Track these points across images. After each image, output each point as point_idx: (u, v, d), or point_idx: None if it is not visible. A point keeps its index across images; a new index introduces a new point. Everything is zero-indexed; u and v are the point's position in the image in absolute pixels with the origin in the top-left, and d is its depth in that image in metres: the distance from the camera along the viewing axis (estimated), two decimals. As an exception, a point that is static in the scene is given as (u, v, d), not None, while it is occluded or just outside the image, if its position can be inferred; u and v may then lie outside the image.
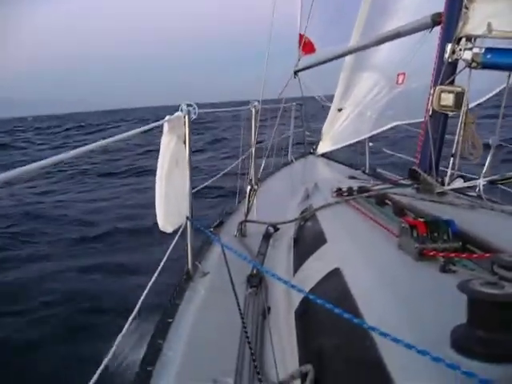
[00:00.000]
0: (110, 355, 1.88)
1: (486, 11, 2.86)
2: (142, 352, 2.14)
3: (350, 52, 5.66)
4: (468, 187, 3.03)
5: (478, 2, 2.89)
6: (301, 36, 6.69)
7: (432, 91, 3.13)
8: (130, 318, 2.11)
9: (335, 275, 1.88)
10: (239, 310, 1.96)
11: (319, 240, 2.45)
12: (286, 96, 5.63)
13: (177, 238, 2.88)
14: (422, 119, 3.39)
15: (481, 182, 2.91)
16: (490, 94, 4.60)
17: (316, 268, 2.15)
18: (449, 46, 3.00)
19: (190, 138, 2.82)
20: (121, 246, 8.03)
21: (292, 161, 7.29)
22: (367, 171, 6.10)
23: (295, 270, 2.39)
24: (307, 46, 6.72)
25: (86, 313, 5.57)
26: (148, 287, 2.40)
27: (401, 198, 2.81)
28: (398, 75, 5.26)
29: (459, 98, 3.01)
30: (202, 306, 2.42)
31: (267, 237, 3.27)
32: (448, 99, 3.05)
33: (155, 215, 2.72)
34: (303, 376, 1.44)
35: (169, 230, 2.78)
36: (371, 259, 1.99)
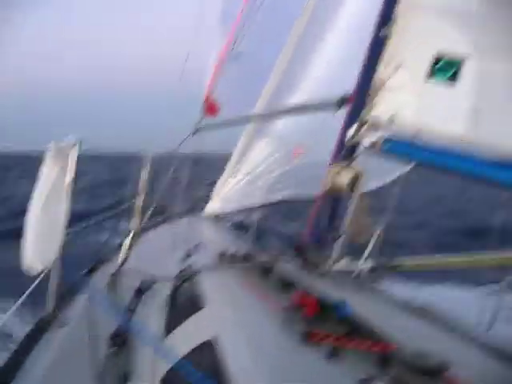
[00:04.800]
0: None
1: (391, 101, 2.96)
2: None
3: (253, 120, 5.70)
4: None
5: (385, 91, 3.00)
6: (207, 97, 6.70)
7: (329, 169, 3.13)
8: None
9: (211, 346, 1.70)
10: (93, 374, 1.68)
11: (197, 304, 2.27)
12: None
13: (39, 279, 2.55)
14: (312, 193, 3.39)
15: (364, 267, 2.89)
16: (381, 183, 4.69)
17: (190, 334, 1.94)
18: (352, 129, 3.06)
19: (75, 173, 2.56)
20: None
21: (179, 216, 7.06)
22: (254, 236, 6.04)
23: (167, 333, 2.16)
24: (212, 109, 6.71)
25: None
26: None
27: (286, 271, 2.71)
28: (295, 149, 5.33)
29: (355, 180, 3.04)
30: (51, 366, 2.06)
31: (139, 292, 3.00)
32: (344, 180, 3.06)
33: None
34: None
35: (33, 272, 2.44)
36: (252, 335, 1.84)
